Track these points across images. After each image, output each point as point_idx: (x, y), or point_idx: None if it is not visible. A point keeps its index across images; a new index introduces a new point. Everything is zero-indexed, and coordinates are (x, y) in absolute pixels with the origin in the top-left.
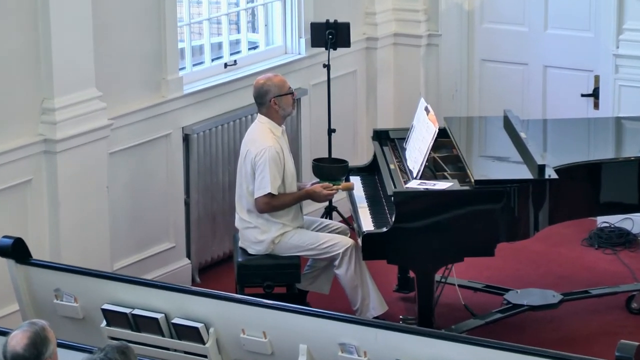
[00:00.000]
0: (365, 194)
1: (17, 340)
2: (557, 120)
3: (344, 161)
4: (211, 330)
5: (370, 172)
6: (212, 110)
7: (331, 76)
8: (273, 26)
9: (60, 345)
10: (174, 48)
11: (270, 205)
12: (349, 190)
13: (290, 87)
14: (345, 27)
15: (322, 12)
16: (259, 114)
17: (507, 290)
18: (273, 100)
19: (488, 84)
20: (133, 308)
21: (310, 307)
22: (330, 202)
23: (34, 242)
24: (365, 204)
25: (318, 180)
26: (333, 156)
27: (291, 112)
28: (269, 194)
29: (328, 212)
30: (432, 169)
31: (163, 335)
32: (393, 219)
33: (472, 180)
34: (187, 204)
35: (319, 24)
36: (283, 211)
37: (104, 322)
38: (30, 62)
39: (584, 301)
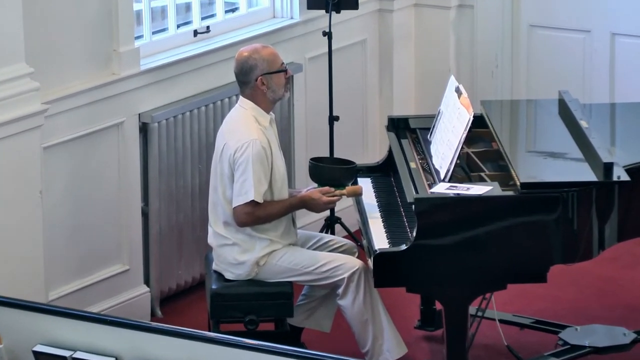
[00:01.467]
0: (377, 201)
1: None
2: (629, 105)
3: (350, 162)
4: None
5: (385, 173)
6: (178, 92)
7: (333, 47)
8: None
9: None
10: (128, 11)
11: (254, 216)
12: (356, 196)
13: (283, 63)
14: None
15: None
16: (241, 96)
17: (563, 328)
18: (260, 79)
19: (538, 57)
20: (74, 350)
21: (306, 348)
22: (332, 211)
23: None
24: (378, 214)
25: (316, 185)
26: (336, 153)
27: (283, 96)
28: (252, 201)
29: (329, 225)
30: (465, 169)
31: None
32: (414, 234)
33: (518, 184)
34: (145, 215)
35: None
36: (270, 224)
37: None
38: None
39: None
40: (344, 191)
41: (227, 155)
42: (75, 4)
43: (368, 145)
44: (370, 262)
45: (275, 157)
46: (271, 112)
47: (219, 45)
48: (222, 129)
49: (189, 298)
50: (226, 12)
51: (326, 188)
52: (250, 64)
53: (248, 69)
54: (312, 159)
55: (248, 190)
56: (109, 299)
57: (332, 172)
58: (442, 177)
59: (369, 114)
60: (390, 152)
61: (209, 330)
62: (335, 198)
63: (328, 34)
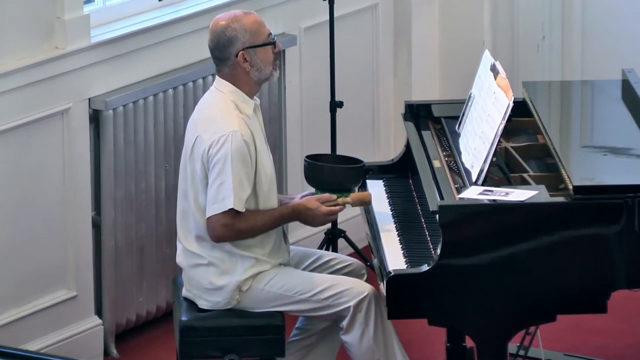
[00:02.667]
0: (392, 210)
1: None
2: None
3: (357, 160)
4: None
5: (401, 174)
6: (138, 71)
7: (336, 14)
8: None
9: None
10: None
11: (233, 229)
12: (365, 205)
13: (270, 34)
14: None
15: None
16: (217, 77)
17: None
18: (241, 54)
19: (596, 26)
20: None
21: None
22: (335, 223)
23: None
24: (393, 226)
25: (313, 190)
26: (338, 149)
27: (271, 75)
28: (231, 210)
29: (331, 240)
30: (503, 168)
31: None
32: (438, 252)
33: (570, 187)
34: (97, 226)
35: None
36: (255, 239)
37: None
38: None
39: None
40: (349, 199)
41: (200, 151)
42: None
43: (380, 138)
44: (383, 287)
45: (261, 155)
46: (256, 97)
47: (190, 12)
48: (194, 118)
49: (152, 333)
50: None
51: (326, 195)
52: (229, 35)
53: (226, 42)
54: (308, 157)
55: (226, 196)
56: (51, 334)
57: (334, 173)
58: (474, 178)
59: (381, 99)
60: (407, 147)
61: None
62: (337, 208)
63: None
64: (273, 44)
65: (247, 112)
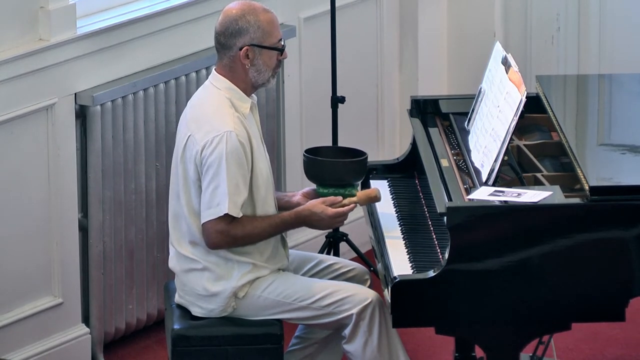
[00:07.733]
0: (397, 212)
1: None
2: None
3: (359, 151)
4: None
5: (407, 173)
6: (127, 65)
7: (338, 4)
8: None
9: None
10: None
11: (230, 236)
12: (373, 201)
13: (282, 40)
14: None
15: None
16: (213, 71)
17: None
18: (246, 49)
19: (615, 15)
20: None
21: None
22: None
23: None
24: (398, 229)
25: (314, 187)
26: (340, 143)
27: (267, 82)
28: (227, 216)
29: (332, 243)
30: (515, 168)
31: None
32: (446, 256)
33: (586, 188)
34: (83, 229)
35: None
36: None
37: None
38: None
39: None
40: (355, 198)
41: (193, 152)
42: None
43: (384, 136)
44: (387, 294)
45: (257, 156)
46: (253, 95)
47: (183, 2)
48: (186, 114)
49: (143, 342)
50: None
51: (331, 198)
52: (241, 26)
53: (235, 32)
54: (307, 151)
55: (221, 200)
56: (35, 343)
57: (335, 168)
58: (484, 178)
59: (385, 94)
60: (414, 145)
61: None
62: (345, 209)
63: None
64: (281, 51)
65: (244, 110)
